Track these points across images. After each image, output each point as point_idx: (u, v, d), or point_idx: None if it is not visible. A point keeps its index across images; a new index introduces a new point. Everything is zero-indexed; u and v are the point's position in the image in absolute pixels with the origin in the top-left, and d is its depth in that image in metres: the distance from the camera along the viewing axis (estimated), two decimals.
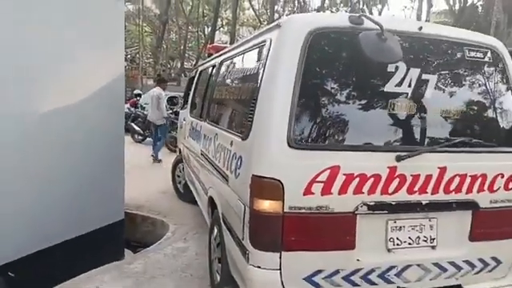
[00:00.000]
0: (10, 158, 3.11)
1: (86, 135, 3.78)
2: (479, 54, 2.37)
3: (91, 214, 3.87)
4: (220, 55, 3.82)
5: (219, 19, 26.03)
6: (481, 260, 2.37)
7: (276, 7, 28.78)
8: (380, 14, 25.12)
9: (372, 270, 2.17)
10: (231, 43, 24.58)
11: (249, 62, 2.78)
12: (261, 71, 2.26)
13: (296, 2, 28.25)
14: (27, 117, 3.27)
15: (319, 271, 2.12)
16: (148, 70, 29.06)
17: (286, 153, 2.02)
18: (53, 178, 3.50)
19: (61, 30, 3.45)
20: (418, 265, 2.24)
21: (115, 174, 4.26)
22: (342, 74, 2.24)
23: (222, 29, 29.13)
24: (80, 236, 3.74)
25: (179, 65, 31.66)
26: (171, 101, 7.03)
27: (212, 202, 3.10)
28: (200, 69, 4.98)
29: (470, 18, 21.11)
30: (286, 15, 29.46)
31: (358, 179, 2.07)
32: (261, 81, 2.23)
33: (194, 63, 31.01)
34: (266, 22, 29.13)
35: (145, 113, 10.91)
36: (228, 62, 3.46)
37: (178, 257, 3.65)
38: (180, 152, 5.52)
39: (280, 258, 2.07)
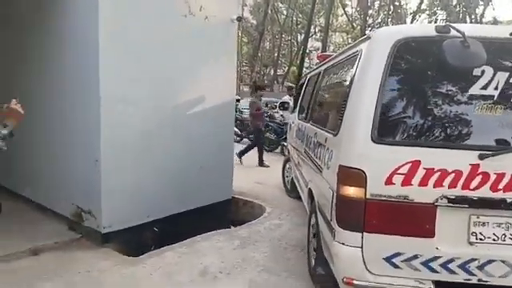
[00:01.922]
0: (154, 141, 4.18)
1: (205, 129, 4.72)
2: None
3: (208, 192, 4.86)
4: (323, 64, 4.27)
5: (312, 26, 26.67)
6: None
7: (370, 11, 28.47)
8: (483, 15, 23.17)
9: (452, 260, 2.28)
10: (323, 50, 25.09)
11: (343, 69, 3.13)
12: (352, 77, 2.61)
13: (391, 6, 27.56)
14: (163, 112, 4.28)
15: (398, 254, 2.31)
16: (244, 77, 30.89)
17: (369, 147, 2.28)
18: (186, 160, 4.51)
19: (191, 52, 4.43)
20: (503, 261, 2.27)
21: (226, 162, 5.20)
22: (425, 78, 2.40)
23: (314, 36, 29.72)
24: (200, 207, 4.75)
25: (272, 72, 33.14)
26: (282, 105, 7.63)
27: (311, 194, 3.48)
28: (308, 76, 5.51)
29: None
30: (381, 19, 29.00)
31: (438, 173, 2.23)
32: (351, 85, 2.57)
33: (286, 70, 32.15)
34: (358, 27, 28.98)
35: (243, 116, 12.00)
36: (328, 69, 3.88)
37: (274, 230, 4.46)
38: (288, 152, 6.13)
39: (362, 237, 2.33)
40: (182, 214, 4.54)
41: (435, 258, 2.29)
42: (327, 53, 6.47)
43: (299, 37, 30.74)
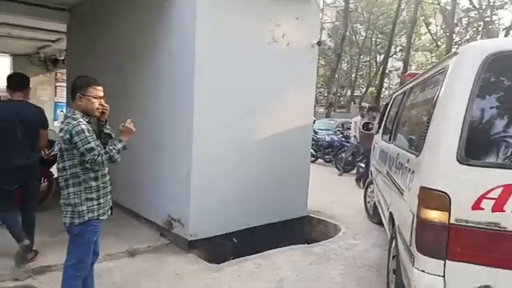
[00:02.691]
0: (239, 159, 4.53)
1: (285, 149, 4.95)
2: None
3: (285, 208, 5.06)
4: (409, 83, 4.11)
5: (392, 46, 25.98)
6: None
7: (457, 28, 26.93)
8: None
9: None
10: (405, 70, 24.20)
11: (429, 87, 2.99)
12: (437, 94, 2.46)
13: (481, 23, 25.80)
14: (249, 132, 4.65)
15: (487, 287, 2.12)
16: (319, 98, 30.94)
17: (455, 168, 2.12)
18: (265, 177, 4.78)
19: (275, 76, 4.78)
20: None
21: (303, 181, 5.35)
22: None
23: (394, 56, 28.87)
24: (277, 222, 4.96)
25: (349, 93, 32.70)
26: (366, 126, 7.46)
27: (391, 217, 3.35)
28: (394, 95, 5.35)
29: None
30: (469, 36, 27.21)
31: None
32: (435, 102, 2.41)
33: (363, 91, 31.53)
34: (444, 46, 27.52)
35: (317, 136, 12.09)
36: (413, 88, 3.75)
37: (349, 249, 4.51)
38: (371, 174, 6.00)
39: (444, 265, 2.15)
40: (259, 227, 4.78)
41: None
42: (415, 71, 6.21)
43: (378, 57, 30.08)
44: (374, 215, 5.53)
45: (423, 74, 3.41)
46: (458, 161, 2.13)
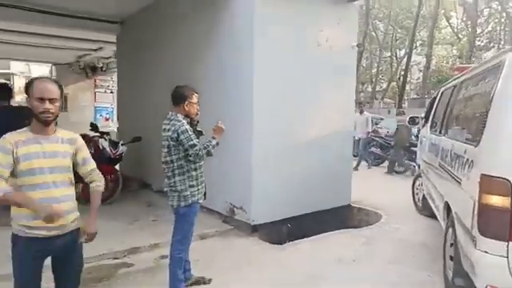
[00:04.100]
0: (292, 154, 5.06)
1: (331, 143, 5.47)
2: None
3: (332, 196, 5.56)
4: (459, 76, 4.23)
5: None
6: None
7: (479, 20, 26.76)
8: None
9: None
10: (427, 64, 24.18)
11: (484, 80, 3.11)
12: (494, 88, 2.60)
13: (504, 13, 25.55)
14: (300, 128, 5.18)
15: None
16: None
17: None
18: (313, 169, 5.29)
19: (320, 77, 5.30)
20: None
21: (346, 172, 5.88)
22: None
23: (415, 50, 28.87)
24: (325, 210, 5.45)
25: (370, 88, 32.81)
26: (413, 120, 7.70)
27: (447, 207, 3.49)
28: (442, 90, 5.43)
29: None
30: (491, 28, 26.96)
31: None
32: (493, 95, 2.55)
33: (385, 86, 31.60)
34: (465, 38, 27.39)
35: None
36: (465, 81, 3.86)
37: (394, 232, 5.01)
38: (419, 167, 6.12)
39: (507, 246, 2.28)
40: (309, 214, 5.29)
41: None
42: (464, 65, 6.45)
43: (398, 52, 30.08)
44: (423, 208, 5.65)
45: (476, 69, 3.55)
46: None
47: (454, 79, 4.58)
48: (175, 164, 3.02)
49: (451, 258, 3.17)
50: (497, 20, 27.21)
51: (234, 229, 4.90)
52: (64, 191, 2.06)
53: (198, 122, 3.26)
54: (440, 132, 4.43)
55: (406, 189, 6.63)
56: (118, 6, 7.17)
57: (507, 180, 2.27)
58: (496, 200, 2.31)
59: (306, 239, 4.64)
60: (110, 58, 12.27)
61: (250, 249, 4.33)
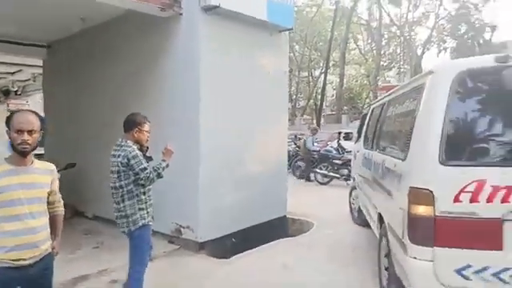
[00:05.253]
0: (233, 174, 5.38)
1: (267, 163, 5.90)
2: None
3: (268, 209, 5.98)
4: (387, 95, 4.51)
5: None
6: None
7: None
8: (490, 40, 24.47)
9: None
10: (341, 82, 26.38)
11: (409, 100, 3.32)
12: (417, 107, 2.83)
13: (402, 38, 29.04)
14: (240, 150, 5.52)
15: (469, 266, 2.46)
16: None
17: (437, 169, 2.50)
18: (253, 186, 5.66)
19: (258, 99, 5.73)
20: None
21: (282, 185, 6.34)
22: (486, 105, 2.59)
23: (328, 70, 31.29)
24: (263, 222, 5.85)
25: (290, 107, 34.65)
26: (347, 136, 8.25)
27: (380, 217, 3.67)
28: (372, 107, 5.72)
29: None
30: (392, 50, 30.38)
31: (504, 190, 2.40)
32: (417, 114, 2.79)
33: (305, 104, 33.61)
34: (371, 59, 30.53)
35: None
36: (393, 100, 4.08)
37: (327, 237, 5.56)
38: (354, 180, 6.43)
39: (432, 251, 2.51)
40: (251, 227, 5.64)
41: (505, 270, 2.43)
42: (388, 84, 7.21)
43: (313, 72, 32.29)
44: (358, 218, 6.01)
45: (401, 89, 3.81)
46: (440, 163, 2.51)
47: (383, 97, 4.92)
48: (125, 189, 3.10)
49: (386, 269, 3.40)
50: (396, 43, 30.83)
51: (181, 248, 5.05)
52: (40, 221, 2.15)
53: (147, 148, 3.36)
54: (372, 147, 4.68)
55: (334, 199, 7.29)
56: (45, 30, 6.96)
57: (430, 191, 2.51)
58: (422, 209, 2.54)
59: (249, 251, 4.97)
60: (27, 80, 11.55)
61: (199, 266, 4.53)
